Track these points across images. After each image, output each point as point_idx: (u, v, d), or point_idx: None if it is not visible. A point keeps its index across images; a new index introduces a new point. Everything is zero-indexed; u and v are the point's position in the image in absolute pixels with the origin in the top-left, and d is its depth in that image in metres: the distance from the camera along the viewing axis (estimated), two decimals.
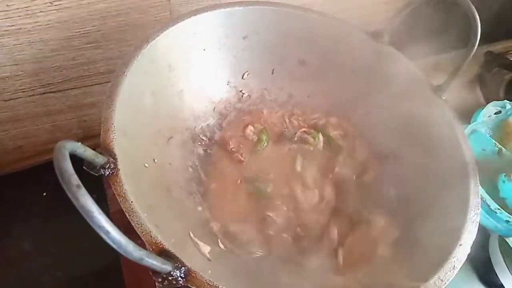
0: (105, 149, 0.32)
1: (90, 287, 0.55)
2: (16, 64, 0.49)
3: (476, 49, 0.43)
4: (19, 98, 0.53)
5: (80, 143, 0.27)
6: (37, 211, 0.58)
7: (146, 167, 0.37)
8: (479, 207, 0.37)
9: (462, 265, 0.33)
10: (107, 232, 0.21)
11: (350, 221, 0.44)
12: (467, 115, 0.64)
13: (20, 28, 0.46)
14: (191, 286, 0.28)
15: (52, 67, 0.52)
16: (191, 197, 0.42)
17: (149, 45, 0.40)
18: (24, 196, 0.60)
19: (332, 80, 0.52)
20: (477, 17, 0.41)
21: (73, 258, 0.55)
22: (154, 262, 0.25)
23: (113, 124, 0.33)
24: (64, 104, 0.57)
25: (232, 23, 0.48)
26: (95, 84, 0.57)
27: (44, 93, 0.54)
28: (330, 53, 0.51)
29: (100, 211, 0.21)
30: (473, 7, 0.41)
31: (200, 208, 0.41)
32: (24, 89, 0.52)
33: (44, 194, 0.61)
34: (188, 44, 0.45)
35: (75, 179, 0.21)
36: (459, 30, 0.47)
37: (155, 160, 0.39)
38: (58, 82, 0.54)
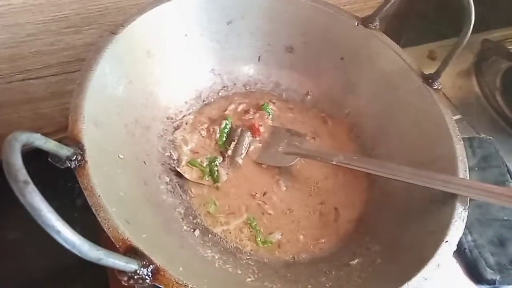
0: (73, 140, 0.30)
1: (75, 277, 0.55)
2: None
3: (473, 36, 0.41)
4: None
5: (39, 134, 0.25)
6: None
7: (121, 158, 0.36)
8: (467, 203, 0.35)
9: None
10: (58, 232, 0.20)
11: None
12: (461, 105, 0.62)
13: None
14: (159, 285, 0.26)
15: (30, 52, 0.50)
16: (170, 189, 0.40)
17: (124, 29, 0.38)
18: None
19: (320, 68, 0.50)
20: (471, 1, 0.39)
21: (59, 248, 0.54)
22: (116, 262, 0.23)
23: (82, 113, 0.32)
24: (46, 91, 0.55)
25: (216, 7, 0.45)
26: (77, 71, 0.54)
27: (23, 80, 0.52)
28: (319, 40, 0.49)
29: (50, 208, 0.20)
30: None
31: (179, 201, 0.40)
32: (2, 75, 0.51)
33: None
34: (168, 29, 0.43)
35: (22, 175, 0.20)
36: (455, 16, 0.44)
37: (131, 151, 0.38)
38: (37, 68, 0.52)
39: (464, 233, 0.46)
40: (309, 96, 0.51)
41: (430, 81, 0.43)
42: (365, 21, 0.47)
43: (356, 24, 0.47)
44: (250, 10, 0.47)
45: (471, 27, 0.40)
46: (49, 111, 0.58)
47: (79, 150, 0.30)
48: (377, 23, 0.47)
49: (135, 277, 0.25)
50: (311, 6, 0.47)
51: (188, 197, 0.41)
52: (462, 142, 0.39)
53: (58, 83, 0.55)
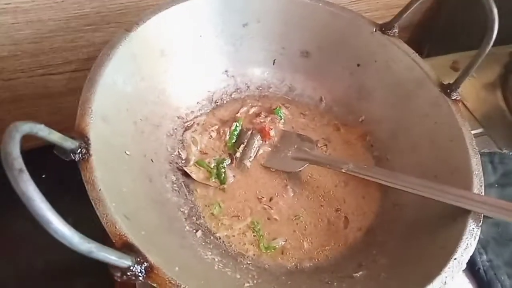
0: (79, 133, 0.31)
1: (79, 271, 0.55)
2: (15, 44, 0.49)
3: (501, 48, 0.39)
4: (19, 78, 0.53)
5: (43, 125, 0.26)
6: None
7: (127, 154, 0.36)
8: (481, 220, 0.33)
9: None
10: (48, 222, 0.20)
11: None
12: (484, 118, 0.60)
13: (18, 7, 0.45)
14: (151, 283, 0.26)
15: (51, 48, 0.51)
16: (176, 188, 0.40)
17: (139, 27, 0.39)
18: None
19: (336, 73, 0.49)
20: (495, 10, 0.37)
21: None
22: (108, 256, 0.23)
23: (90, 107, 0.32)
24: (65, 86, 0.57)
25: (232, 9, 0.45)
26: None
27: (43, 75, 0.54)
28: (335, 45, 0.48)
29: (43, 199, 0.20)
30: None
31: (183, 201, 0.40)
32: (23, 69, 0.52)
33: (43, 176, 0.61)
34: (183, 29, 0.43)
35: (18, 163, 0.20)
36: (481, 27, 0.42)
37: (139, 148, 0.38)
38: (57, 64, 0.53)
39: (479, 252, 0.44)
40: (323, 102, 0.51)
41: (448, 91, 0.42)
42: (383, 28, 0.46)
43: (374, 30, 0.46)
44: (266, 13, 0.47)
45: (494, 36, 0.38)
46: (67, 106, 0.59)
47: (84, 144, 0.30)
48: (396, 30, 0.46)
49: (128, 273, 0.25)
50: (328, 11, 0.47)
51: (193, 197, 0.41)
52: (479, 156, 0.38)
53: (77, 79, 0.56)
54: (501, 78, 0.65)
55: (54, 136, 0.27)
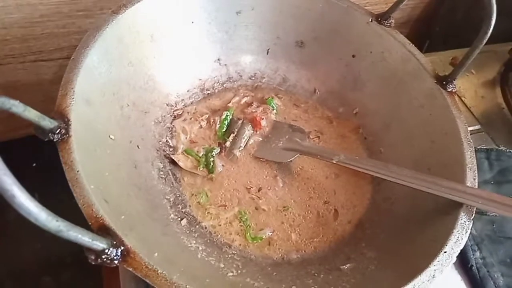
0: (59, 114, 0.30)
1: (69, 263, 0.54)
2: (5, 28, 0.48)
3: (501, 46, 0.38)
4: (9, 64, 0.52)
5: (18, 101, 0.25)
6: (24, 181, 0.57)
7: (112, 139, 0.35)
8: (473, 213, 0.32)
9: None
10: (12, 197, 0.19)
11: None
12: (482, 115, 0.59)
13: None
14: (127, 267, 0.25)
15: (43, 33, 0.50)
16: (162, 175, 0.39)
17: (127, 10, 0.38)
18: (13, 166, 0.59)
19: (330, 64, 0.48)
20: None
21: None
22: (79, 236, 0.22)
23: (72, 88, 0.31)
24: (57, 74, 0.56)
25: None
26: None
27: (35, 61, 0.53)
28: (330, 36, 0.47)
29: (8, 172, 0.19)
30: None
31: (169, 188, 0.39)
32: (14, 54, 0.51)
33: (34, 164, 0.60)
34: (174, 15, 0.43)
35: None
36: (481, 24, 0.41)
37: (125, 134, 0.37)
38: (49, 50, 0.53)
39: (472, 249, 0.43)
40: (316, 93, 0.50)
41: (444, 83, 0.41)
42: (379, 18, 0.45)
43: (370, 20, 0.45)
44: (260, 1, 0.46)
45: (491, 26, 0.37)
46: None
47: (64, 124, 0.29)
48: (392, 21, 0.45)
49: (103, 256, 0.24)
50: (325, 0, 0.46)
51: (179, 186, 0.40)
52: (473, 149, 0.37)
53: None
54: (501, 75, 0.64)
55: (30, 114, 0.26)
